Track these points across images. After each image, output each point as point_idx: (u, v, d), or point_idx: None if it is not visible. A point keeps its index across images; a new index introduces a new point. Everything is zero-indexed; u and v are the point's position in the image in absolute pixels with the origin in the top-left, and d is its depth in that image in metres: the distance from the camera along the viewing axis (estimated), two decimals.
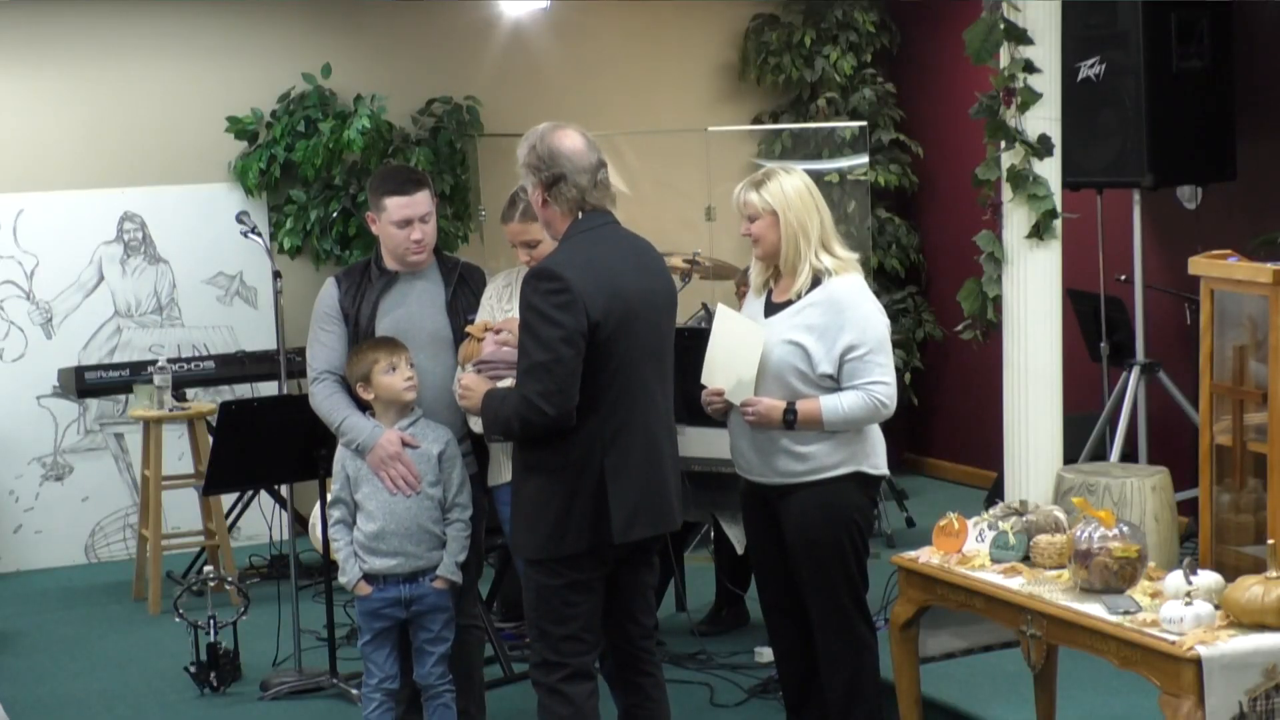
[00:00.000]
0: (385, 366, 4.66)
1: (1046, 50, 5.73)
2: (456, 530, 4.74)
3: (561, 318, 3.94)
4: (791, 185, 4.61)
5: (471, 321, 4.76)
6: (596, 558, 4.09)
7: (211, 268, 8.13)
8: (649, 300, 4.15)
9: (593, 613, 4.16)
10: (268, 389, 7.64)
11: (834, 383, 4.54)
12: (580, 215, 4.13)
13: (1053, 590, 4.05)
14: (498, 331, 4.59)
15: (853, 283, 4.60)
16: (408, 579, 4.69)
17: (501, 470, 4.72)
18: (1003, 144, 5.80)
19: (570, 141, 4.14)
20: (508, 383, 4.53)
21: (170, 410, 7.05)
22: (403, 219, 4.76)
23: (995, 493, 6.89)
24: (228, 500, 7.51)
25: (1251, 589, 3.71)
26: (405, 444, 4.67)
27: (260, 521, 7.64)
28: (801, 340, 4.53)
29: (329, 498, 4.81)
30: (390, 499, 4.66)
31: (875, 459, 4.67)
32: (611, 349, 4.03)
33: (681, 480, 4.35)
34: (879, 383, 4.52)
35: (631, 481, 4.07)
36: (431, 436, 4.71)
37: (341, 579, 4.75)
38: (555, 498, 4.05)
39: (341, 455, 4.75)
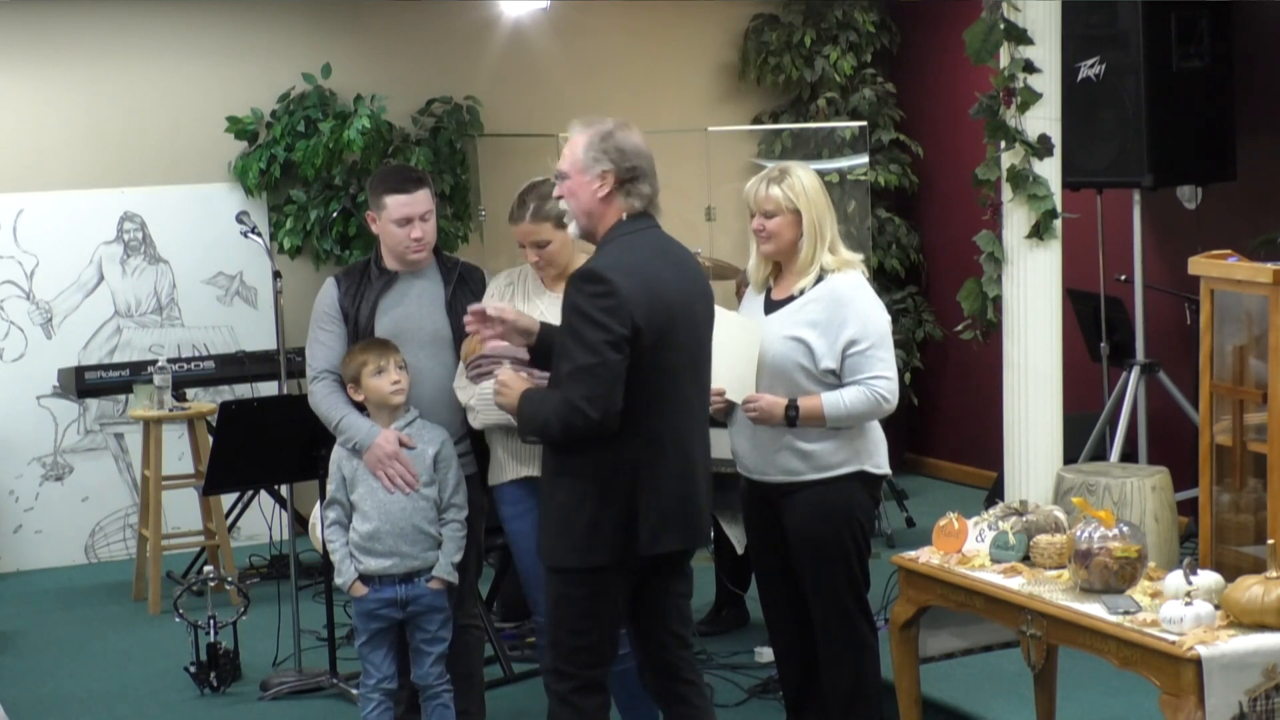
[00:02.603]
0: (374, 369, 4.66)
1: (1046, 50, 5.73)
2: (452, 531, 4.73)
3: (607, 321, 3.85)
4: (811, 183, 4.61)
5: None
6: (624, 570, 4.00)
7: (211, 268, 8.13)
8: (689, 308, 4.06)
9: (612, 626, 4.08)
10: (268, 389, 7.64)
11: (837, 379, 4.54)
12: (625, 217, 4.03)
13: (1053, 590, 4.05)
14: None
15: (853, 278, 4.61)
16: (403, 579, 4.69)
17: (503, 470, 4.71)
18: (1003, 144, 5.80)
19: (640, 142, 4.06)
20: (503, 376, 4.52)
21: (170, 410, 7.05)
22: (403, 217, 4.76)
23: (995, 493, 6.89)
24: (228, 500, 7.51)
25: (1251, 589, 3.71)
26: (401, 444, 4.67)
27: (260, 521, 7.64)
28: (804, 336, 4.53)
29: (325, 498, 4.81)
30: (385, 499, 4.66)
31: (878, 458, 4.67)
32: (651, 356, 3.93)
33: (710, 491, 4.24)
34: (880, 377, 4.52)
35: (663, 493, 3.98)
36: (427, 437, 4.71)
37: (337, 580, 4.75)
38: (585, 506, 3.96)
39: (338, 455, 4.75)
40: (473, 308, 4.28)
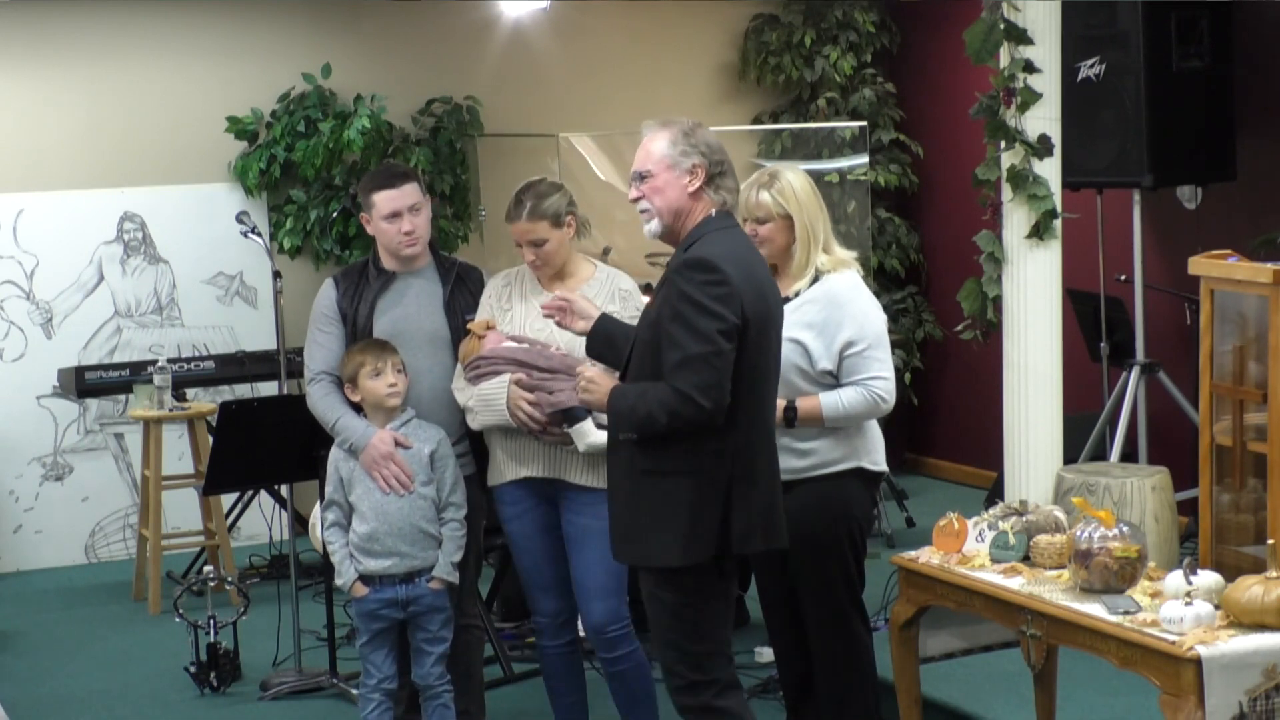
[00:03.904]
0: (371, 370, 4.66)
1: (1046, 50, 5.73)
2: (451, 530, 4.73)
3: (720, 310, 3.78)
4: (801, 186, 4.61)
5: (472, 320, 4.75)
6: (720, 568, 3.95)
7: (211, 268, 8.13)
8: (779, 307, 4.04)
9: (728, 623, 4.03)
10: (268, 389, 7.65)
11: (834, 379, 4.55)
12: (714, 213, 3.99)
13: (1053, 590, 4.05)
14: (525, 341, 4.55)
15: (849, 279, 4.61)
16: (404, 580, 4.69)
17: (503, 471, 4.70)
18: (1003, 144, 5.80)
19: (717, 140, 4.05)
20: (503, 379, 4.52)
21: (170, 410, 7.06)
22: (391, 211, 4.76)
23: (995, 493, 6.89)
24: (228, 500, 7.51)
25: (1251, 589, 3.71)
26: (397, 444, 4.67)
27: (260, 521, 7.64)
28: (801, 337, 4.53)
29: (324, 499, 4.81)
30: (382, 500, 4.65)
31: (875, 455, 4.67)
32: (751, 352, 3.87)
33: None
34: (878, 378, 4.53)
35: (756, 492, 3.92)
36: (423, 436, 4.71)
37: (338, 581, 4.75)
38: (685, 502, 3.86)
39: (335, 457, 4.75)
40: (549, 304, 4.34)
